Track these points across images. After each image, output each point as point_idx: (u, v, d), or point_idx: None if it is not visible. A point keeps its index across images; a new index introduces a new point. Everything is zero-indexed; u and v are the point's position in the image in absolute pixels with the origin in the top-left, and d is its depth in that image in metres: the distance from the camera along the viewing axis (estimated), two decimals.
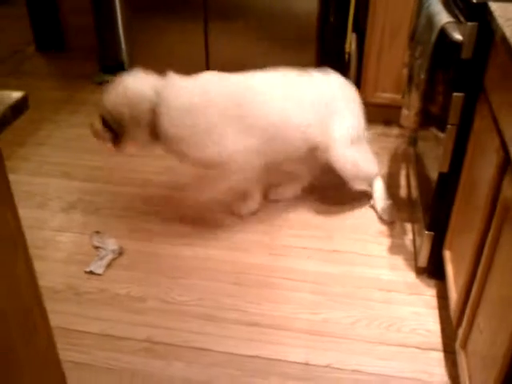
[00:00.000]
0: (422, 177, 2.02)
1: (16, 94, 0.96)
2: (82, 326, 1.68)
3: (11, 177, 1.00)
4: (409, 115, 1.84)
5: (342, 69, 2.81)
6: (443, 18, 1.64)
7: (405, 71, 2.15)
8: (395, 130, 2.71)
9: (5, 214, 1.02)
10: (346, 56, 2.76)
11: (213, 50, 2.69)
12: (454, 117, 1.61)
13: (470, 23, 1.55)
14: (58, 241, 2.07)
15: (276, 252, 1.99)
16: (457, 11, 1.67)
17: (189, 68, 2.80)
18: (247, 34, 2.61)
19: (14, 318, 1.06)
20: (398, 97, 2.55)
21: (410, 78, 1.92)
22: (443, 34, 1.59)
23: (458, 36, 1.56)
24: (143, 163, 2.52)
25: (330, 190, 2.31)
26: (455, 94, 1.58)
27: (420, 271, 1.89)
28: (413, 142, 2.34)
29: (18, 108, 0.95)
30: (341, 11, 2.71)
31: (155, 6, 2.66)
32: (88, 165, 2.51)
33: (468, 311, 1.40)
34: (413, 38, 2.00)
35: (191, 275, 1.89)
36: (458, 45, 1.55)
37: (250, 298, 1.79)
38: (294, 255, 1.98)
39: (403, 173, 2.44)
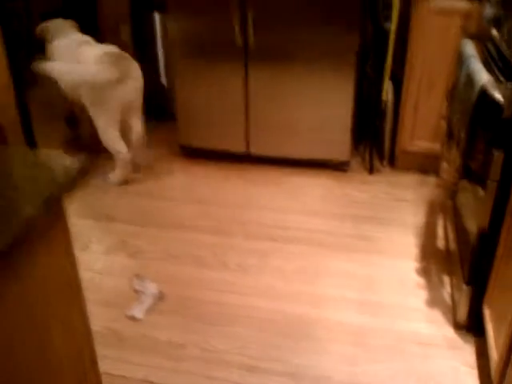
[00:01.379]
0: (460, 229, 2.03)
1: (80, 159, 1.03)
2: (126, 371, 1.72)
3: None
4: (449, 169, 1.86)
5: (379, 116, 2.88)
6: (483, 77, 1.68)
7: (443, 124, 2.18)
8: (432, 179, 2.72)
9: (64, 262, 1.09)
10: (383, 104, 2.81)
11: (253, 95, 2.78)
12: (494, 174, 1.63)
13: (510, 83, 1.59)
14: (99, 283, 2.13)
15: (317, 302, 2.01)
16: (497, 71, 1.71)
17: (229, 112, 2.94)
18: (286, 78, 2.68)
19: (68, 359, 1.11)
20: (435, 146, 2.59)
21: (450, 133, 1.95)
22: (483, 93, 1.62)
23: (498, 96, 1.59)
24: (181, 207, 2.59)
25: (368, 241, 2.34)
26: (495, 151, 1.60)
27: (459, 326, 1.87)
28: (452, 194, 2.35)
29: (84, 171, 1.03)
30: (378, 60, 2.77)
31: (196, 53, 2.76)
32: (129, 208, 2.60)
33: (510, 373, 1.39)
34: (452, 94, 2.04)
35: (232, 323, 1.92)
36: (498, 104, 1.58)
37: (292, 348, 1.81)
38: (334, 306, 1.99)
39: (440, 223, 2.44)
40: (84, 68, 2.61)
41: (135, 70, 2.65)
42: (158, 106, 3.39)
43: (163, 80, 3.37)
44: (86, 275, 2.16)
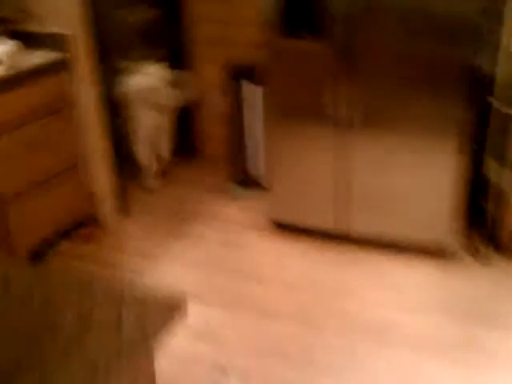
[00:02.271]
0: None
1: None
2: None
3: None
4: None
5: (482, 194, 2.63)
6: None
7: None
8: None
9: None
10: (486, 181, 2.60)
11: (351, 170, 2.63)
12: None
13: None
14: (180, 372, 2.02)
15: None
16: None
17: (323, 186, 2.80)
18: (384, 153, 2.51)
19: None
20: None
21: None
22: None
23: None
24: (270, 290, 2.46)
25: (479, 347, 2.07)
26: None
27: None
28: None
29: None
30: (480, 134, 2.59)
31: (286, 122, 2.68)
32: (218, 288, 2.50)
33: None
34: None
35: None
36: None
37: None
38: None
39: None
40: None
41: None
42: (242, 171, 3.35)
43: (250, 149, 3.32)
44: (163, 361, 2.07)
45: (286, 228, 2.86)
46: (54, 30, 2.56)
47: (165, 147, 3.54)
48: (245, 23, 3.33)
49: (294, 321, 2.26)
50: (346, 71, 2.42)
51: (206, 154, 3.81)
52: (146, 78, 3.29)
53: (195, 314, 2.33)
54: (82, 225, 2.95)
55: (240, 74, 3.27)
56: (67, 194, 2.72)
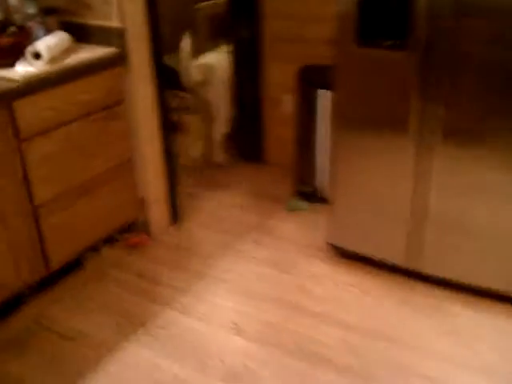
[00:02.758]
0: None
1: None
2: None
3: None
4: None
5: None
6: None
7: None
8: None
9: None
10: None
11: (430, 196, 2.28)
12: None
13: None
14: None
15: None
16: None
17: (394, 212, 2.47)
18: (475, 181, 2.13)
19: None
20: None
21: None
22: None
23: None
24: (322, 328, 2.17)
25: None
26: None
27: None
28: None
29: None
30: None
31: (358, 137, 2.35)
32: (261, 318, 2.24)
33: None
34: None
35: None
36: None
37: None
38: None
39: None
40: None
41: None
42: (307, 182, 3.06)
43: (318, 160, 3.01)
44: None
45: (347, 254, 2.55)
46: (110, 23, 2.36)
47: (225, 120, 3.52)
48: (320, 19, 3.01)
49: (348, 371, 1.96)
50: (429, 82, 2.06)
51: (272, 160, 3.54)
52: (210, 59, 3.46)
53: (232, 348, 2.09)
54: (129, 231, 2.77)
55: (313, 75, 2.97)
56: (114, 198, 2.54)
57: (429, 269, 2.33)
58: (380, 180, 2.32)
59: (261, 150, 3.55)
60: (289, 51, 3.18)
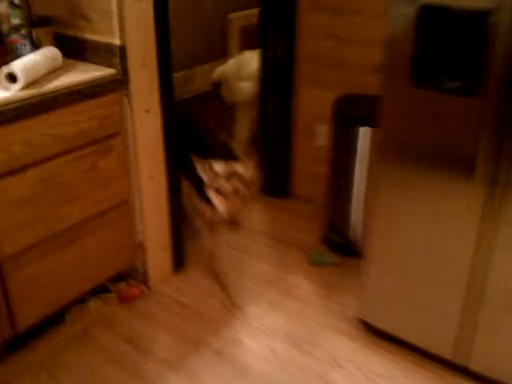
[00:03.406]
0: None
1: None
2: None
3: None
4: None
5: None
6: None
7: None
8: None
9: None
10: None
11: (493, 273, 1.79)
12: None
13: None
14: None
15: None
16: None
17: (444, 290, 1.90)
18: None
19: None
20: None
21: None
22: None
23: None
24: None
25: None
26: None
27: None
28: None
29: None
30: None
31: (403, 184, 1.88)
32: None
33: None
34: None
35: None
36: None
37: None
38: None
39: None
40: None
41: None
42: (338, 231, 2.59)
43: (353, 205, 2.55)
44: None
45: (380, 334, 2.08)
46: (109, 38, 1.96)
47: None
48: (366, 42, 2.55)
49: None
50: (498, 131, 1.58)
51: (299, 195, 3.09)
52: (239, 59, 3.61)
53: None
54: (123, 279, 2.36)
55: (353, 108, 2.51)
56: (105, 244, 2.13)
57: (479, 363, 1.84)
58: (429, 238, 1.81)
59: (287, 182, 3.10)
60: (326, 76, 2.73)
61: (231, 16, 4.07)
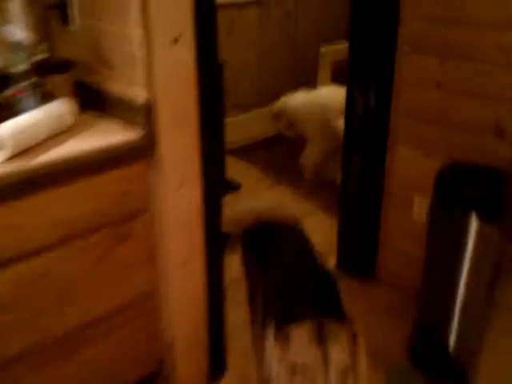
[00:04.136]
0: None
1: None
2: None
3: None
4: None
5: None
6: None
7: None
8: None
9: None
10: None
11: None
12: None
13: None
14: None
15: None
16: None
17: None
18: None
19: None
20: None
21: None
22: None
23: None
24: None
25: None
26: None
27: None
28: None
29: None
30: None
31: None
32: None
33: None
34: None
35: None
36: None
37: None
38: None
39: None
40: None
41: None
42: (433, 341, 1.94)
43: (457, 312, 1.89)
44: None
45: None
46: (133, 90, 1.50)
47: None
48: (485, 94, 1.92)
49: None
50: None
51: (386, 278, 2.47)
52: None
53: None
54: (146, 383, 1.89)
55: (462, 184, 1.87)
56: (119, 348, 1.66)
57: None
58: None
59: (372, 260, 2.49)
60: (429, 134, 2.11)
61: (323, 49, 3.55)
